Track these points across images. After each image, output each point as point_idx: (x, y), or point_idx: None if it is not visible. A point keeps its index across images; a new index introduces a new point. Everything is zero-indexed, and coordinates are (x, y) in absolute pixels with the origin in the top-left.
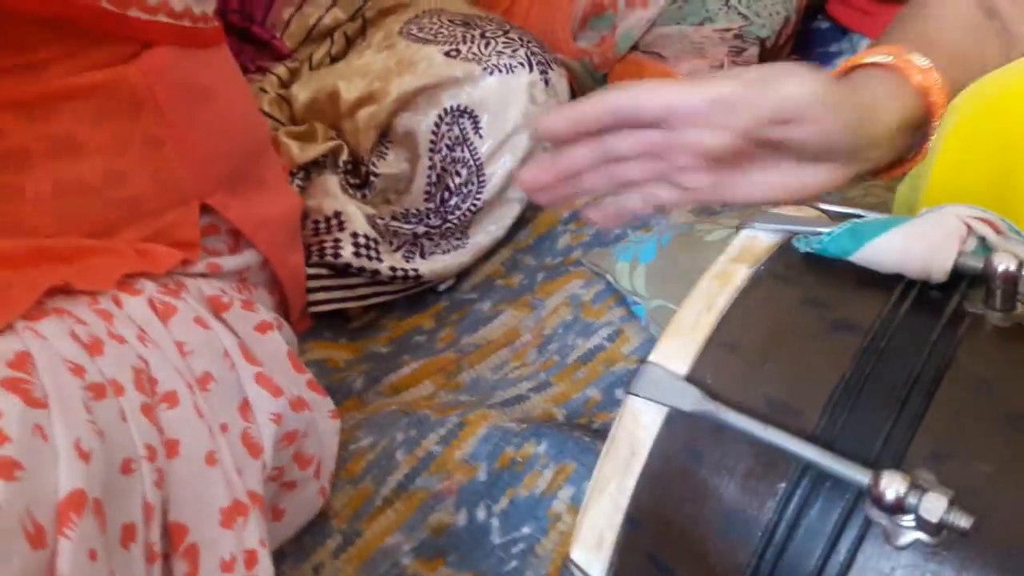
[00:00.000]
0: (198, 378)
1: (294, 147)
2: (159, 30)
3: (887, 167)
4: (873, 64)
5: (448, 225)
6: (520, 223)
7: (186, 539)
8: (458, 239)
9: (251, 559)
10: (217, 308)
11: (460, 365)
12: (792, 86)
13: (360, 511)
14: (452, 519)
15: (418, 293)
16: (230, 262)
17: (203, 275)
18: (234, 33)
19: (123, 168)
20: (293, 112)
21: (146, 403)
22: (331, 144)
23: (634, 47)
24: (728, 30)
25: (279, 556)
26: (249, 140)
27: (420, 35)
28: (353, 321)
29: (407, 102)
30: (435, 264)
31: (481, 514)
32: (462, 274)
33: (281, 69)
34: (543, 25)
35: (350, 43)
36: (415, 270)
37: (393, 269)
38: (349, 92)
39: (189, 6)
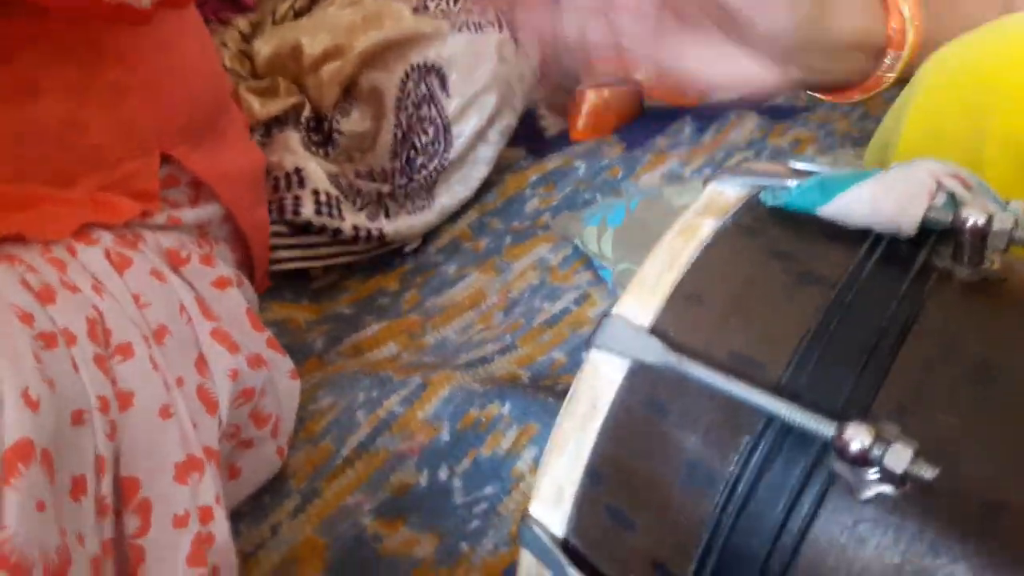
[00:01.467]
0: (154, 331)
1: (255, 102)
2: None
3: (831, 88)
4: None
5: (414, 185)
6: (488, 186)
7: (138, 493)
8: (424, 200)
9: (206, 515)
10: (175, 262)
11: (425, 327)
12: None
13: (319, 471)
14: (414, 479)
15: (382, 255)
16: (190, 215)
17: (162, 228)
18: None
19: (83, 115)
20: (255, 67)
21: (99, 354)
22: (293, 100)
23: None
24: None
25: (236, 515)
26: (212, 92)
27: None
28: (315, 281)
29: (373, 58)
30: (400, 224)
31: (443, 474)
32: (428, 236)
33: (243, 22)
34: None
35: None
36: (379, 230)
37: (356, 228)
38: (312, 47)
39: None
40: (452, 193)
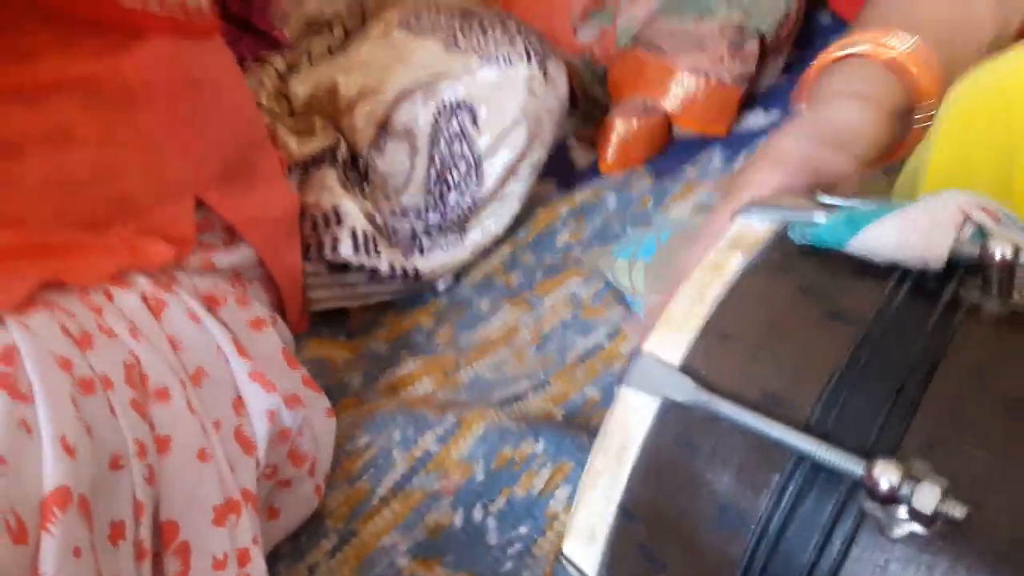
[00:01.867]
0: (191, 374)
1: (292, 142)
2: (151, 20)
3: (877, 158)
4: (850, 55)
5: (447, 221)
6: (519, 220)
7: (178, 537)
8: (457, 236)
9: (244, 557)
10: (211, 304)
11: (459, 364)
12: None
13: (356, 511)
14: (449, 519)
15: (417, 291)
16: (225, 258)
17: (197, 271)
18: (233, 22)
19: (115, 162)
20: (292, 106)
21: (136, 398)
22: (330, 139)
23: (635, 42)
24: (728, 24)
25: (274, 556)
26: (245, 134)
27: (417, 27)
28: (352, 320)
29: (405, 96)
30: (434, 261)
31: (478, 514)
32: (461, 272)
33: (279, 61)
34: (543, 19)
35: (349, 35)
36: (414, 267)
37: (392, 266)
38: (348, 88)
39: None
40: (484, 229)
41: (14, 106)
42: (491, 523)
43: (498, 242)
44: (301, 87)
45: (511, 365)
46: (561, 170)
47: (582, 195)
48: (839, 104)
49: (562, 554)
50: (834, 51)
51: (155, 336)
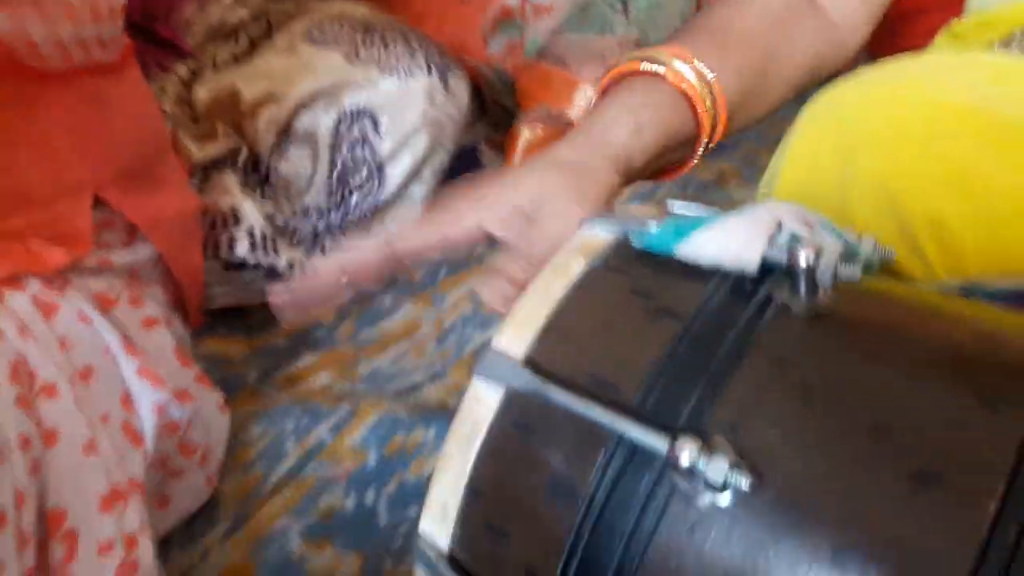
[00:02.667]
0: (79, 371)
1: (193, 146)
2: (55, 75)
3: (653, 174)
4: (647, 72)
5: (349, 222)
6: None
7: (64, 524)
8: (360, 236)
9: (131, 543)
10: (104, 304)
11: (358, 357)
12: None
13: (250, 497)
14: (341, 503)
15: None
16: (122, 257)
17: (92, 271)
18: (136, 31)
19: (11, 158)
20: (194, 112)
21: (22, 394)
22: (230, 143)
23: (541, 54)
24: (627, 40)
25: (167, 542)
26: (147, 139)
27: (321, 39)
28: (251, 317)
29: (307, 104)
30: None
31: (369, 498)
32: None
33: (183, 69)
34: (455, 31)
35: (254, 45)
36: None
37: (291, 264)
38: (250, 92)
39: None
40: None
41: None
42: (382, 507)
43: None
44: (203, 92)
45: (410, 359)
46: (471, 174)
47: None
48: (621, 120)
49: (419, 531)
50: (636, 64)
51: (44, 336)
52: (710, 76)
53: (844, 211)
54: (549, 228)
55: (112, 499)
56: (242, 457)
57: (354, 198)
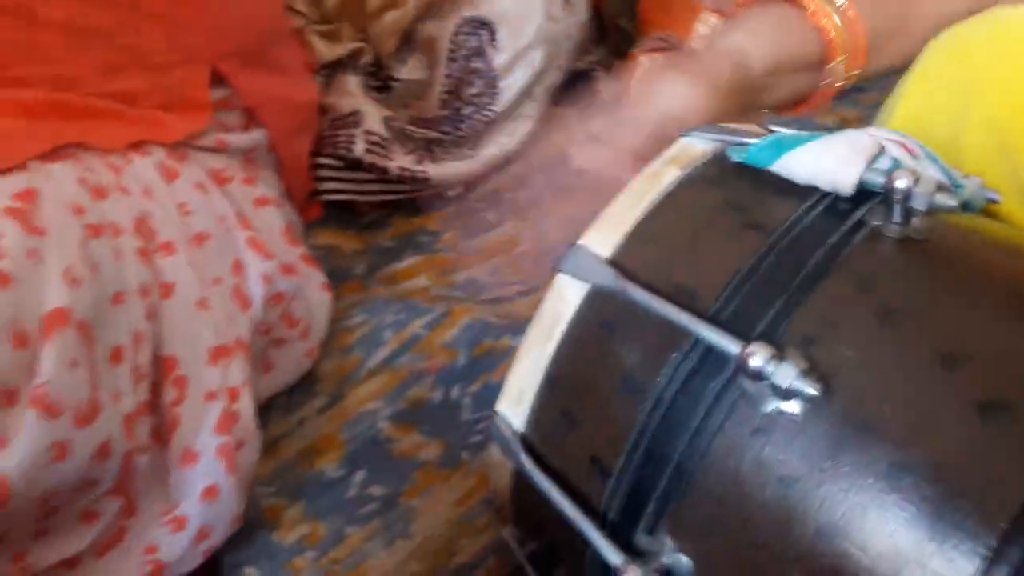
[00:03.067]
0: (195, 235)
1: (320, 45)
2: None
3: (784, 107)
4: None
5: (460, 134)
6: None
7: (175, 370)
8: (469, 149)
9: (234, 395)
10: (219, 180)
11: (457, 265)
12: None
13: (347, 378)
14: (429, 395)
15: (427, 198)
16: (239, 139)
17: (210, 150)
18: None
19: (137, 19)
20: (324, 12)
21: (143, 247)
22: (355, 45)
23: None
24: None
25: (268, 408)
26: (266, 20)
27: None
28: (363, 216)
29: (429, 8)
30: (444, 170)
31: (455, 393)
32: (472, 184)
33: None
34: None
35: None
36: (423, 172)
37: (402, 169)
38: None
39: None
40: (498, 145)
41: None
42: (467, 402)
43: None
44: None
45: (506, 272)
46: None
47: None
48: (740, 26)
49: (495, 411)
50: None
51: (166, 199)
52: (840, 1)
53: (955, 149)
54: (650, 105)
55: (219, 354)
56: (343, 342)
57: (467, 110)
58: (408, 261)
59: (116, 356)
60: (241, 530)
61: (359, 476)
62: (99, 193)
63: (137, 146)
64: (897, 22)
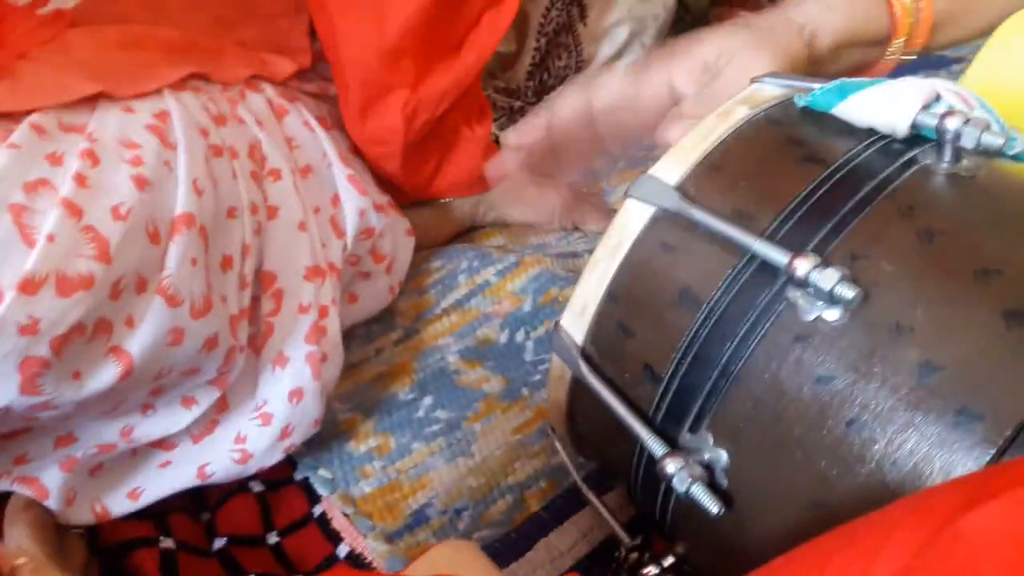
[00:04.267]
0: (301, 167)
1: None
2: None
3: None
4: None
5: (543, 104)
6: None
7: (274, 284)
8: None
9: (323, 312)
10: (323, 125)
11: (529, 231)
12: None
13: (422, 315)
14: (496, 336)
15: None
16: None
17: (315, 95)
18: None
19: None
20: None
21: (255, 170)
22: None
23: None
24: None
25: (350, 335)
26: None
27: None
28: None
29: None
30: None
31: (520, 336)
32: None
33: None
34: None
35: None
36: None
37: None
38: None
39: None
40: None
41: None
42: (530, 344)
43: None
44: None
45: (576, 236)
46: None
47: None
48: (825, 16)
49: (558, 324)
50: None
51: (275, 132)
52: None
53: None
54: (731, 81)
55: (314, 273)
56: (421, 282)
57: (551, 82)
58: (486, 227)
59: (226, 263)
60: (319, 438)
61: (427, 400)
62: (219, 120)
63: (251, 84)
64: (963, 5)
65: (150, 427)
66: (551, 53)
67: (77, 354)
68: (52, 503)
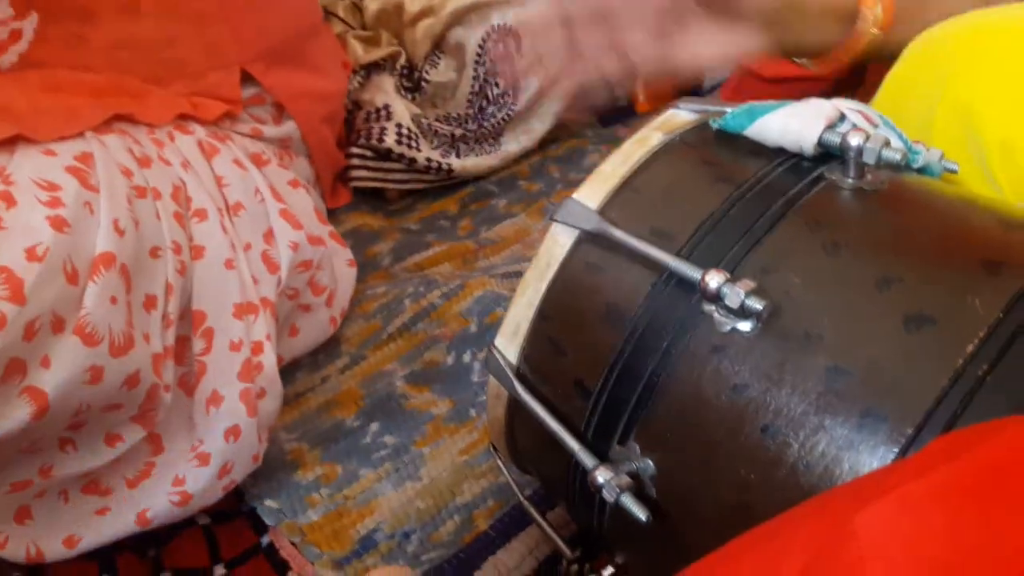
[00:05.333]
0: (231, 205)
1: (359, 48)
2: None
3: (812, 52)
4: None
5: (483, 130)
6: (553, 140)
7: (204, 323)
8: (491, 144)
9: (257, 348)
10: (257, 162)
11: (477, 254)
12: None
13: (367, 341)
14: (443, 358)
15: (448, 184)
16: (272, 131)
17: (248, 136)
18: None
19: (172, 32)
20: (364, 20)
21: (178, 212)
22: (391, 49)
23: None
24: None
25: (295, 366)
26: (296, 22)
27: None
28: (391, 204)
29: (460, 17)
30: (467, 163)
31: (467, 357)
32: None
33: None
34: None
35: None
36: (448, 164)
37: (428, 160)
38: (412, 5)
39: None
40: (517, 141)
41: None
42: (476, 366)
43: (530, 154)
44: (373, 3)
45: (519, 255)
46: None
47: (618, 129)
48: None
49: (492, 345)
50: None
51: (204, 172)
52: None
53: (927, 130)
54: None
55: (244, 310)
56: (366, 308)
57: (490, 109)
58: (433, 249)
59: (149, 303)
60: (265, 468)
61: (374, 426)
62: (143, 162)
63: (180, 125)
64: (918, 6)
65: (71, 463)
66: (488, 82)
67: None
68: None
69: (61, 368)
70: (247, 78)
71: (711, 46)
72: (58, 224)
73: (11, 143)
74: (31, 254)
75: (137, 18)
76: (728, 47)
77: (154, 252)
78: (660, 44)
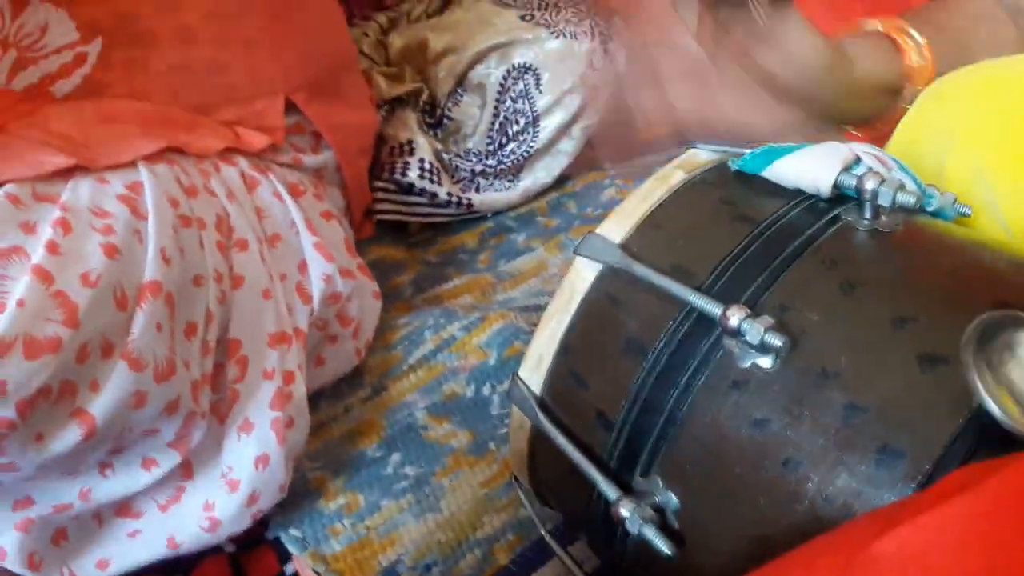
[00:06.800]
0: (269, 236)
1: (383, 83)
2: None
3: (858, 122)
4: (871, 31)
5: (502, 166)
6: (569, 176)
7: (239, 351)
8: (510, 180)
9: (289, 378)
10: (294, 192)
11: (496, 288)
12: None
13: (389, 372)
14: (462, 390)
15: (469, 218)
16: (310, 159)
17: (288, 165)
18: None
19: (224, 59)
20: (388, 56)
21: (221, 241)
22: (415, 86)
23: None
24: None
25: (318, 395)
26: (334, 55)
27: (503, 0)
28: (412, 236)
29: (483, 56)
30: (486, 198)
31: (486, 390)
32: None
33: (382, 18)
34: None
35: (446, 3)
36: (468, 199)
37: (449, 195)
38: (436, 43)
39: None
40: (535, 177)
41: (157, 8)
42: (496, 399)
43: (548, 190)
44: (398, 40)
45: (538, 289)
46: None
47: (632, 165)
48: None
49: (517, 375)
50: (858, 26)
51: (246, 203)
52: (921, 40)
53: (940, 174)
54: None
55: (278, 339)
56: (388, 339)
57: (510, 146)
58: (452, 282)
59: (190, 330)
60: (289, 498)
61: (396, 457)
62: (191, 191)
63: (225, 157)
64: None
65: (109, 487)
66: (508, 119)
67: (41, 416)
68: (12, 565)
69: (109, 392)
70: (289, 107)
71: (762, 116)
72: (110, 251)
73: (68, 172)
74: (85, 279)
75: (193, 44)
76: (777, 118)
77: (197, 280)
78: (710, 100)
